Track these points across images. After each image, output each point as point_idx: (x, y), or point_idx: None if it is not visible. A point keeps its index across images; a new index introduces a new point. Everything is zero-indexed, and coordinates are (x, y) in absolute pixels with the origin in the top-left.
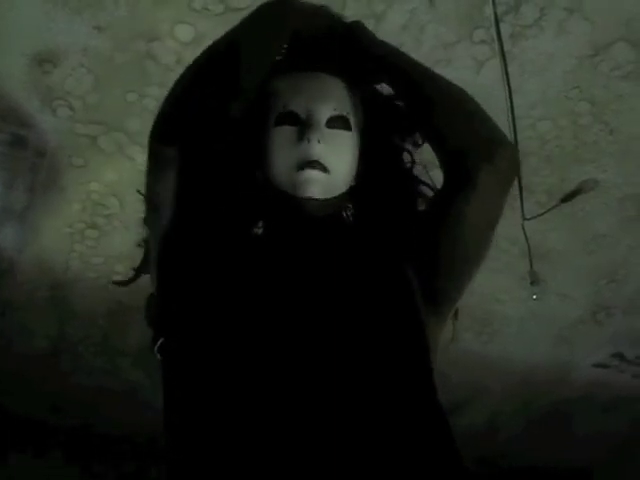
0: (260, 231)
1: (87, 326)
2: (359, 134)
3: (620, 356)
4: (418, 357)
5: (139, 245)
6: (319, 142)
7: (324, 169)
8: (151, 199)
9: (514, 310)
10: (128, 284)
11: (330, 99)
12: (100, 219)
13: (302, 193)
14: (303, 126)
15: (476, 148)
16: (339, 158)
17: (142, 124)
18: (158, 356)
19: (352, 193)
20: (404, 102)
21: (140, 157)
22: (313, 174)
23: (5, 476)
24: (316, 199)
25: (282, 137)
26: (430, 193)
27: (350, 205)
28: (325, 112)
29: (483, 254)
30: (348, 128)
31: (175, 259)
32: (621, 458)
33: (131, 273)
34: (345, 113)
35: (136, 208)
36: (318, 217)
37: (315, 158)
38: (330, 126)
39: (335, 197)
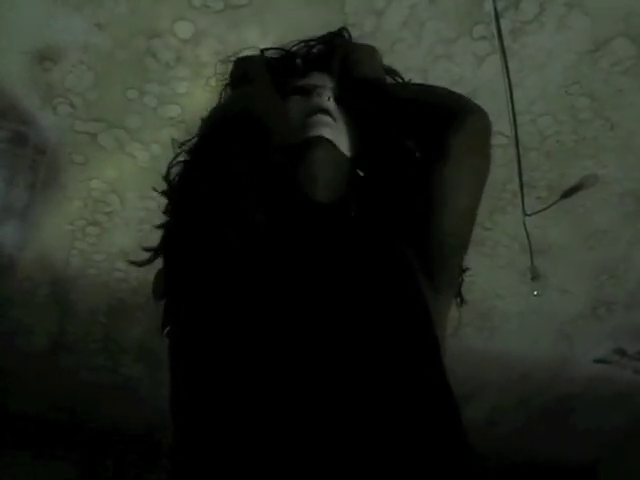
0: (266, 218)
1: (88, 323)
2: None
3: (621, 351)
4: (425, 339)
5: (158, 227)
6: (329, 99)
7: (334, 119)
8: None
9: (515, 306)
10: (144, 265)
11: (334, 84)
12: (101, 216)
13: (313, 132)
14: (313, 87)
15: (444, 120)
16: (344, 120)
17: (142, 121)
18: (166, 340)
19: (358, 185)
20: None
21: (140, 154)
22: (324, 118)
23: (5, 474)
24: (327, 140)
25: (294, 100)
26: None
27: (355, 199)
28: (331, 90)
29: (470, 223)
30: (351, 107)
31: (181, 244)
32: (622, 454)
33: (142, 274)
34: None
35: (136, 205)
36: (321, 204)
37: (325, 108)
38: (337, 102)
39: (343, 154)
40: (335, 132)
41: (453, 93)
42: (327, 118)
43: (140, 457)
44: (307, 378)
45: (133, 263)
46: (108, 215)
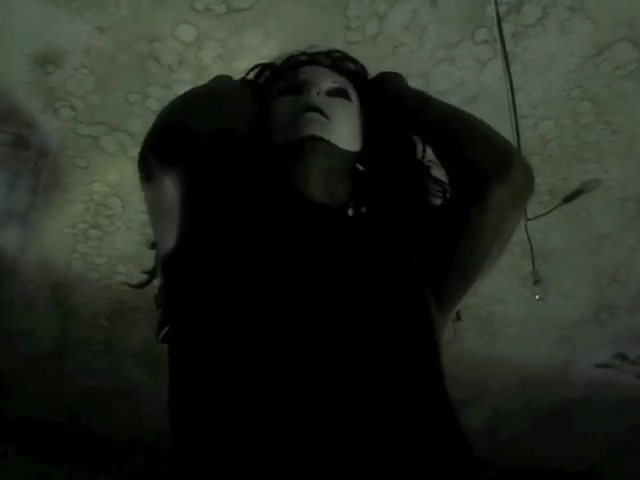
0: (266, 223)
1: (90, 327)
2: (362, 114)
3: (622, 356)
4: (428, 349)
5: (149, 247)
6: (318, 95)
7: (325, 116)
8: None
9: (516, 310)
10: (142, 287)
11: (329, 75)
12: (103, 220)
13: (304, 132)
14: (302, 84)
15: (488, 168)
16: (340, 114)
17: (144, 125)
18: (159, 341)
19: (360, 182)
20: (416, 130)
21: None
22: (314, 115)
23: (5, 478)
24: (320, 139)
25: (284, 101)
26: (439, 189)
27: (355, 198)
28: (324, 83)
29: (496, 261)
30: (348, 99)
31: (183, 252)
32: (623, 458)
33: (143, 277)
34: (345, 87)
35: (138, 208)
36: (325, 206)
37: (316, 106)
38: (330, 95)
39: (339, 150)
40: (327, 128)
41: (505, 139)
42: (317, 115)
43: (142, 461)
44: (306, 380)
45: (131, 286)
46: (110, 218)
